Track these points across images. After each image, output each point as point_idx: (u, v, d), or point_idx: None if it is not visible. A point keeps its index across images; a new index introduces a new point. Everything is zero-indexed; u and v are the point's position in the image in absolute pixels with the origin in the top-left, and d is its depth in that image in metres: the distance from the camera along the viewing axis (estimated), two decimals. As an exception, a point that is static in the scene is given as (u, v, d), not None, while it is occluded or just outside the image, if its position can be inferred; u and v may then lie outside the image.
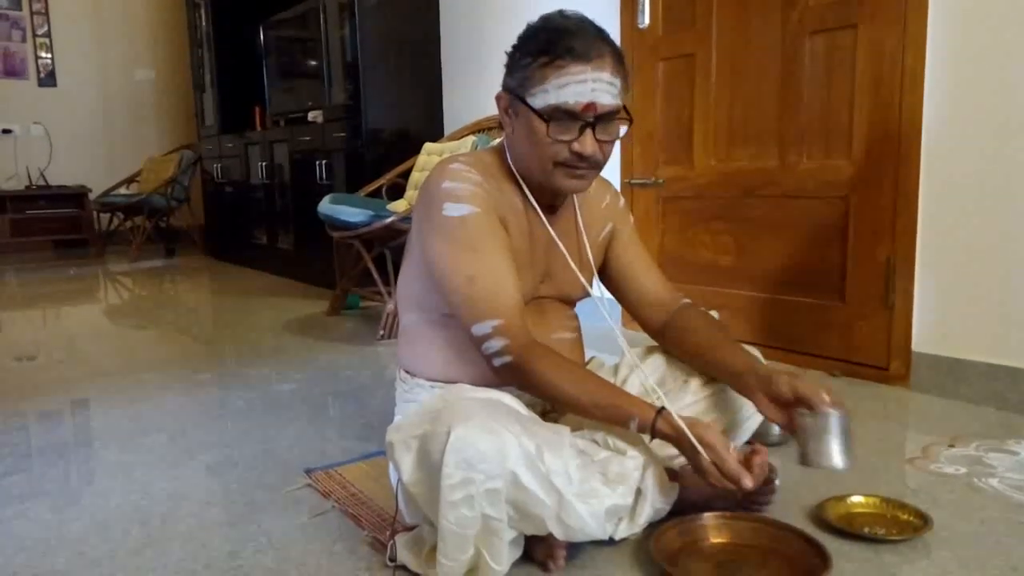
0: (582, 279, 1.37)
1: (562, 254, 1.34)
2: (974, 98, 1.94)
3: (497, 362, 1.20)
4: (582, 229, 1.40)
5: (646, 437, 1.18)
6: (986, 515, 1.36)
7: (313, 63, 4.33)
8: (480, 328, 1.20)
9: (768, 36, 2.43)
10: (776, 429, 1.68)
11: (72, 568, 1.25)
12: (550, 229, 1.33)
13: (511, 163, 1.32)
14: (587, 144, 1.20)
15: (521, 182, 1.31)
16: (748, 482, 1.12)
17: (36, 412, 2.17)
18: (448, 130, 3.91)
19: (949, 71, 1.99)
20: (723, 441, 1.14)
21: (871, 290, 2.21)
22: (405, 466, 1.09)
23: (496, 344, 1.19)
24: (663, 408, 1.16)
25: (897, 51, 2.09)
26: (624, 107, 1.23)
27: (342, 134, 3.99)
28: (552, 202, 1.36)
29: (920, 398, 2.07)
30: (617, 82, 1.21)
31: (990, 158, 1.92)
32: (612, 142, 1.24)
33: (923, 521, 1.28)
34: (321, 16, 4.10)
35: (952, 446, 1.69)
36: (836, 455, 1.12)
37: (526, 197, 1.32)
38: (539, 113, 1.19)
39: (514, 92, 1.24)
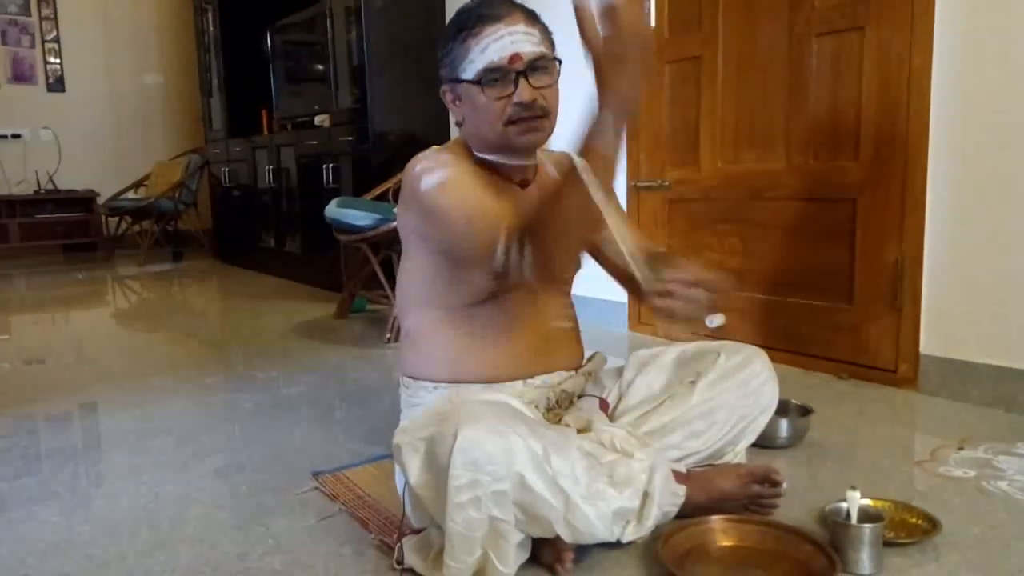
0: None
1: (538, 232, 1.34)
2: (982, 99, 1.94)
3: (514, 253, 1.14)
4: None
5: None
6: (995, 518, 1.35)
7: (320, 67, 4.34)
8: (498, 251, 1.16)
9: (775, 38, 2.43)
10: (783, 432, 1.68)
11: (81, 571, 1.25)
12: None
13: (475, 152, 1.36)
14: (525, 92, 1.25)
15: (489, 163, 1.34)
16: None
17: (45, 415, 2.18)
18: (454, 134, 3.91)
19: (956, 73, 1.98)
20: None
21: (879, 292, 2.20)
22: (412, 468, 1.09)
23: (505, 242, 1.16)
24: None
25: (904, 53, 2.08)
26: (555, 56, 1.28)
27: (349, 138, 4.00)
28: (523, 177, 1.37)
29: (929, 401, 2.06)
30: (535, 32, 1.27)
31: (998, 159, 1.92)
32: (552, 87, 1.28)
33: (932, 524, 1.27)
34: (328, 20, 4.12)
35: (961, 449, 1.68)
36: (867, 564, 1.16)
37: (496, 179, 1.33)
38: (474, 81, 1.26)
39: (449, 79, 1.31)
